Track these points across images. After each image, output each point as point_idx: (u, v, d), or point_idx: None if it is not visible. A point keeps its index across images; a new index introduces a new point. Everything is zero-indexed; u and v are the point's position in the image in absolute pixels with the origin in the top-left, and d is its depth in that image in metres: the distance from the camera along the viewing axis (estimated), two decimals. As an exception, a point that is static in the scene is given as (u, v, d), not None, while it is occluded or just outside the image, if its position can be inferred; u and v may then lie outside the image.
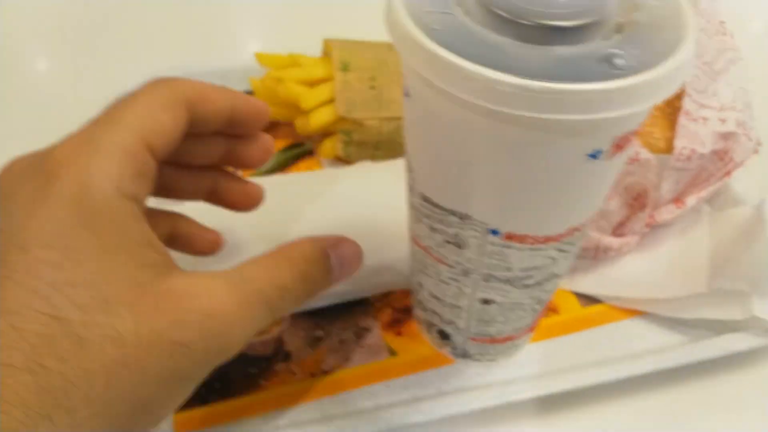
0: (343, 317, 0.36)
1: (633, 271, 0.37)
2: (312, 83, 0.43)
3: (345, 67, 0.42)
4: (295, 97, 0.42)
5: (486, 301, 0.28)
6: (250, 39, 0.58)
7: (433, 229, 0.26)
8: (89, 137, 0.21)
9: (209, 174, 0.29)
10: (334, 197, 0.38)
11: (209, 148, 0.27)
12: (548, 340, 0.35)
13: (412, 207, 0.27)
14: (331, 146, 0.43)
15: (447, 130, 0.22)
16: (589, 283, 0.37)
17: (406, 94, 0.23)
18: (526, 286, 0.27)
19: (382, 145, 0.43)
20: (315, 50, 0.46)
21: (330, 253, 0.26)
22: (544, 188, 0.22)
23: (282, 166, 0.44)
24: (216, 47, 0.56)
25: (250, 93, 0.47)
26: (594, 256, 0.37)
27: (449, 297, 0.29)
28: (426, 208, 0.26)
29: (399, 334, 0.35)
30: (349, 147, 0.42)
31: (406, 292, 0.37)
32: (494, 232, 0.24)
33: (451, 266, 0.27)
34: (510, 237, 0.24)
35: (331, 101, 0.42)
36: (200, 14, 0.63)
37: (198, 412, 0.31)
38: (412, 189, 0.26)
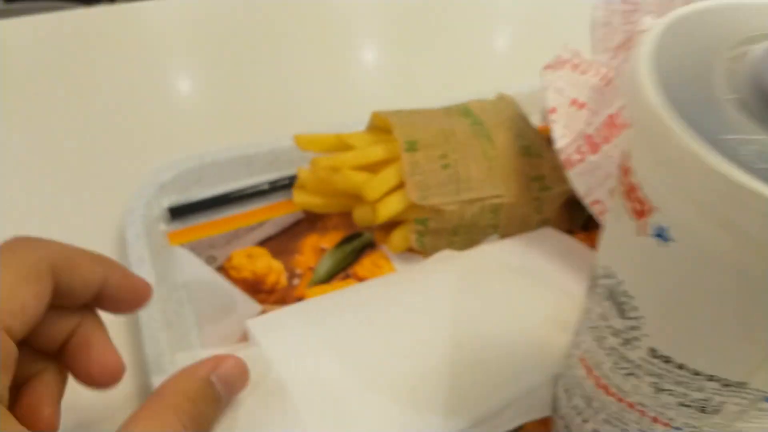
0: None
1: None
2: (371, 167, 0.36)
3: (411, 147, 0.35)
4: (356, 186, 0.35)
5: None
6: (275, 119, 0.50)
7: (660, 390, 0.20)
8: None
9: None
10: (435, 316, 0.31)
11: (68, 321, 0.23)
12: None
13: (617, 356, 0.21)
14: (402, 238, 0.36)
15: (744, 285, 0.16)
16: None
17: (659, 236, 0.17)
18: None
19: (461, 230, 0.36)
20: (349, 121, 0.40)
21: (213, 380, 0.24)
22: None
23: (343, 267, 0.37)
24: (239, 129, 0.48)
25: (293, 179, 0.40)
26: None
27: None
28: (657, 366, 0.19)
29: (543, 475, 0.29)
30: (423, 237, 0.36)
31: (543, 423, 0.31)
32: (772, 399, 0.18)
33: (677, 428, 0.21)
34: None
35: (397, 188, 0.35)
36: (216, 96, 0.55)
37: None
38: (628, 341, 0.20)
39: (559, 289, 0.33)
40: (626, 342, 0.20)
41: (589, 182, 0.32)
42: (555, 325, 0.31)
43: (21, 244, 0.21)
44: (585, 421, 0.25)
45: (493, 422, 0.28)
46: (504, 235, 0.37)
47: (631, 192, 0.18)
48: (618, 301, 0.20)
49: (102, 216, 0.39)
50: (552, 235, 0.37)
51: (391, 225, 0.37)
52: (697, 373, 0.18)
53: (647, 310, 0.19)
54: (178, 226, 0.38)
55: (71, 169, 0.44)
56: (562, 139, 0.34)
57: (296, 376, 0.28)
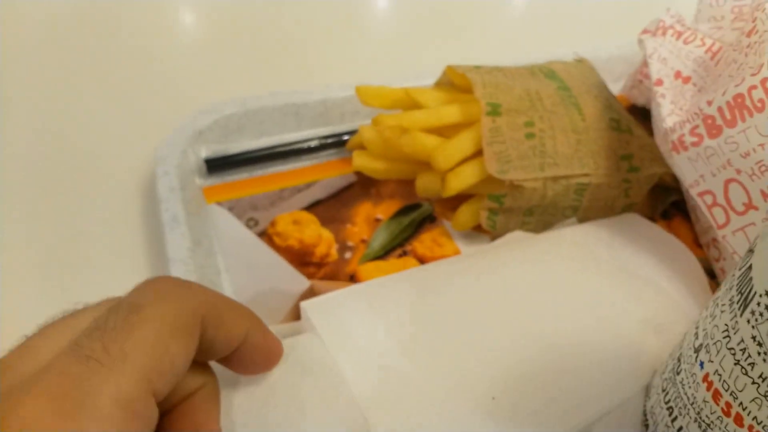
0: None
1: None
2: (443, 131, 0.32)
3: (494, 110, 0.31)
4: (426, 152, 0.31)
5: None
6: (329, 61, 0.44)
7: None
8: (74, 388, 0.15)
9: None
10: (513, 311, 0.27)
11: (193, 381, 0.20)
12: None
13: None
14: (470, 215, 0.32)
15: None
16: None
17: None
18: None
19: (537, 210, 0.32)
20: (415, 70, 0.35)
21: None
22: None
23: (399, 242, 0.33)
24: (285, 72, 0.43)
25: (346, 136, 0.35)
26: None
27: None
28: None
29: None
30: (496, 215, 0.32)
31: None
32: None
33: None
34: None
35: (472, 157, 0.31)
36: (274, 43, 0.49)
37: None
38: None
39: (654, 286, 0.29)
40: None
41: (701, 170, 0.28)
42: (651, 329, 0.27)
43: (170, 289, 0.19)
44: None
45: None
46: (584, 218, 0.33)
47: None
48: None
49: (132, 166, 0.34)
50: (638, 222, 0.33)
51: (457, 198, 0.33)
52: None
53: None
54: (215, 181, 0.34)
55: (104, 114, 0.39)
56: (671, 116, 0.29)
57: (361, 371, 0.25)
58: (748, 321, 0.19)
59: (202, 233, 0.31)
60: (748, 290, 0.19)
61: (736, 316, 0.19)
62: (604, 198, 0.32)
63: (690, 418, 0.22)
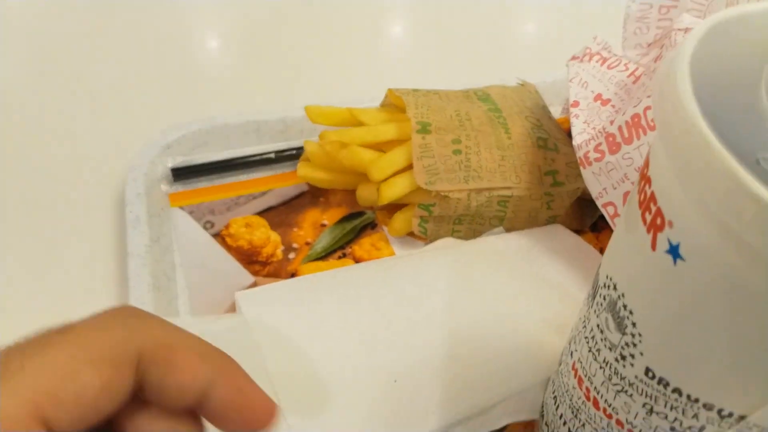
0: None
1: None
2: (380, 146, 0.35)
3: (424, 128, 0.34)
4: (362, 165, 0.34)
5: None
6: (291, 88, 0.49)
7: (652, 412, 0.19)
8: None
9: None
10: (429, 307, 0.30)
11: (159, 425, 0.17)
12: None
13: (611, 371, 0.20)
14: (404, 222, 0.35)
15: (755, 314, 0.15)
16: None
17: (671, 252, 0.16)
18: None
19: (466, 219, 0.35)
20: (368, 94, 0.38)
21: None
22: None
23: (341, 245, 0.36)
24: (251, 96, 0.47)
25: (301, 150, 0.39)
26: None
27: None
28: (652, 387, 0.18)
29: (524, 478, 0.28)
30: (426, 223, 0.35)
31: (526, 425, 0.30)
32: (771, 436, 0.17)
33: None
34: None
35: (404, 169, 0.34)
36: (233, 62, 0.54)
37: None
38: (623, 357, 0.19)
39: (561, 291, 0.32)
40: (622, 358, 0.19)
41: (604, 183, 0.31)
42: (552, 329, 0.30)
43: (118, 318, 0.17)
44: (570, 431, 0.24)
45: (479, 419, 0.27)
46: (510, 228, 0.36)
47: (647, 202, 0.17)
48: (617, 314, 0.19)
49: (106, 174, 0.39)
50: (560, 233, 0.36)
51: (394, 207, 0.36)
52: (694, 400, 0.17)
53: (646, 329, 0.18)
54: (180, 188, 0.38)
55: (80, 126, 0.43)
56: (581, 135, 0.32)
57: (278, 355, 0.28)
58: (595, 311, 0.21)
59: (161, 233, 0.34)
60: (596, 284, 0.22)
61: (589, 307, 0.22)
62: (527, 209, 0.35)
63: (566, 404, 0.25)
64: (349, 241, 0.36)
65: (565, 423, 0.24)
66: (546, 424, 0.26)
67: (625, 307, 0.19)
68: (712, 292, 0.15)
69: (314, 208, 0.38)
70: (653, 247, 0.16)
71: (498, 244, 0.34)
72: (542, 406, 0.28)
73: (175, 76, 0.48)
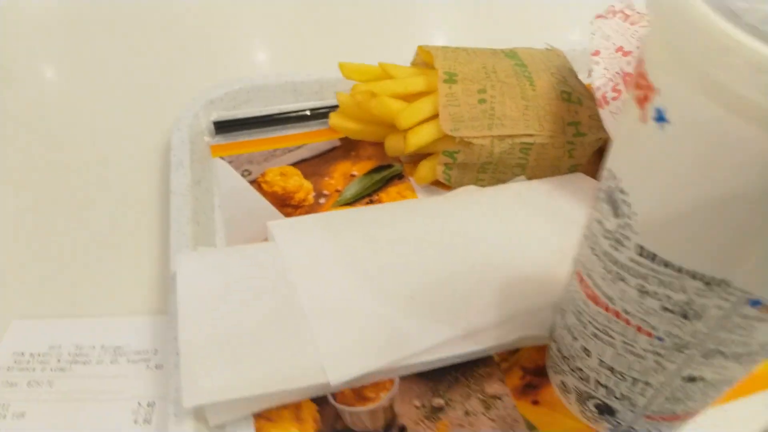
0: (464, 381, 0.30)
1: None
2: (409, 98, 0.37)
3: (450, 78, 0.36)
4: (391, 114, 0.36)
5: (691, 379, 0.22)
6: (328, 48, 0.52)
7: (644, 293, 0.20)
8: None
9: None
10: (447, 235, 0.31)
11: None
12: (731, 403, 0.28)
13: (608, 260, 0.21)
14: (429, 169, 0.37)
15: (743, 171, 0.15)
16: None
17: (658, 119, 0.17)
18: (752, 362, 0.21)
19: (489, 167, 0.36)
20: (402, 60, 0.40)
21: None
22: None
23: (368, 192, 0.38)
24: (291, 57, 0.50)
25: (335, 108, 0.41)
26: None
27: (637, 372, 0.23)
28: (643, 266, 0.19)
29: (536, 403, 0.29)
30: (450, 170, 0.36)
31: (539, 349, 0.31)
32: (755, 303, 0.18)
33: (659, 338, 0.21)
34: (780, 309, 0.18)
35: (431, 118, 0.36)
36: (276, 23, 0.57)
37: None
38: (618, 241, 0.20)
39: (579, 225, 0.32)
40: (617, 243, 0.20)
41: (622, 123, 0.32)
42: (568, 258, 0.31)
43: None
44: (575, 339, 0.25)
45: (491, 333, 0.28)
46: (532, 176, 0.37)
47: (638, 79, 0.18)
48: (614, 200, 0.20)
49: (155, 125, 0.42)
50: (581, 180, 0.36)
51: (420, 158, 0.38)
52: (680, 270, 0.18)
53: (639, 204, 0.19)
54: (221, 141, 0.40)
55: (133, 85, 0.47)
56: (600, 79, 0.33)
57: (306, 277, 0.30)
58: (596, 208, 0.22)
59: (202, 176, 0.37)
60: (598, 189, 0.23)
61: (593, 206, 0.23)
62: (550, 157, 0.36)
63: (571, 311, 0.25)
64: (377, 189, 0.38)
65: (570, 331, 0.25)
66: (554, 341, 0.27)
67: (621, 191, 0.20)
68: (696, 150, 0.16)
69: (345, 160, 0.40)
70: (644, 119, 0.17)
71: (521, 189, 0.35)
72: (551, 329, 0.29)
73: (219, 39, 0.52)
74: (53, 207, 0.38)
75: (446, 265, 0.30)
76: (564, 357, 0.27)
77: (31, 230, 0.37)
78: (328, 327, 0.28)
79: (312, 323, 0.28)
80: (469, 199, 0.34)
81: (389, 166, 0.39)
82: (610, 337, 0.23)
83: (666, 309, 0.19)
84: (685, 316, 0.19)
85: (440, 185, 0.37)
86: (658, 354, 0.21)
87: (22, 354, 0.31)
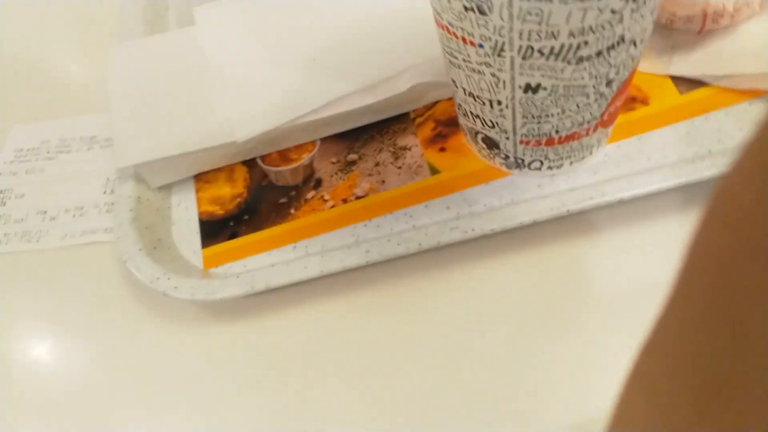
0: (378, 138, 0.31)
1: (752, 43, 0.28)
2: None
3: None
4: None
5: (531, 88, 0.22)
6: None
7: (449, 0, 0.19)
8: None
9: None
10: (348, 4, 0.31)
11: None
12: (633, 138, 0.28)
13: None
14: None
15: None
16: (692, 63, 0.28)
17: None
18: (582, 59, 0.20)
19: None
20: None
21: None
22: None
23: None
24: None
25: None
26: (700, 28, 0.28)
27: (485, 91, 0.23)
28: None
29: (443, 150, 0.30)
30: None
31: (452, 101, 0.31)
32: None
33: (480, 45, 0.21)
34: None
35: None
36: None
37: (227, 246, 0.29)
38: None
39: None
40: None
41: None
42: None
43: None
44: (448, 74, 0.25)
45: (387, 85, 0.29)
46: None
47: None
48: None
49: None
50: None
51: None
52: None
53: None
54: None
55: None
56: None
57: (219, 54, 0.31)
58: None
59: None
60: None
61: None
62: None
63: (447, 61, 0.25)
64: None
65: (448, 71, 0.25)
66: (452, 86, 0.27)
67: None
68: None
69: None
70: None
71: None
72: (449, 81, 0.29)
73: None
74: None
75: (346, 30, 0.30)
76: (455, 101, 0.27)
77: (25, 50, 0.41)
78: (237, 93, 0.30)
79: (223, 92, 0.30)
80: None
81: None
82: (455, 58, 0.23)
83: (466, 8, 0.19)
84: (480, 11, 0.19)
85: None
86: (488, 65, 0.21)
87: (21, 150, 0.37)
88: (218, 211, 0.31)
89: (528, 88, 0.22)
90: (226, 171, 0.32)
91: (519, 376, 0.24)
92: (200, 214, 0.31)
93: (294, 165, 0.31)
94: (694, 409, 0.10)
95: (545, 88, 0.22)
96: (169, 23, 0.38)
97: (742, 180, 0.09)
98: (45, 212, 0.34)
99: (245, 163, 0.32)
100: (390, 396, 0.25)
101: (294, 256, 0.28)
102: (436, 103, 0.31)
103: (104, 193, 0.34)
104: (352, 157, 0.31)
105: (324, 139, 0.32)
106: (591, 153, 0.27)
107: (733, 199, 0.09)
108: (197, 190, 0.32)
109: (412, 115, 0.31)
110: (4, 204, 0.34)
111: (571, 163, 0.27)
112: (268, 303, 0.28)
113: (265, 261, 0.28)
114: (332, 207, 0.29)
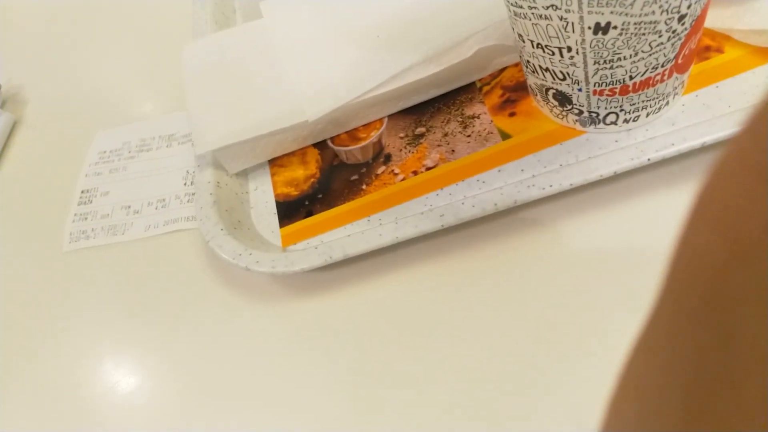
0: (445, 110, 0.31)
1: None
2: None
3: None
4: None
5: (601, 28, 0.21)
6: None
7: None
8: None
9: None
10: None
11: None
12: (710, 87, 0.27)
13: None
14: None
15: None
16: (763, 15, 0.27)
17: None
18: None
19: None
20: None
21: None
22: None
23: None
24: None
25: None
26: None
27: (554, 38, 0.23)
28: None
29: (513, 114, 0.30)
30: None
31: (519, 68, 0.31)
32: None
33: (544, -13, 0.20)
34: None
35: None
36: None
37: (303, 224, 0.30)
38: None
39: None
40: None
41: None
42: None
43: None
44: (513, 31, 0.25)
45: (452, 53, 0.29)
46: None
47: None
48: None
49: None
50: None
51: None
52: None
53: None
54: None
55: None
56: None
57: (287, 41, 0.33)
58: None
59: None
60: None
61: None
62: None
63: (511, 16, 0.25)
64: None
65: (514, 26, 0.25)
66: (519, 43, 0.27)
67: None
68: None
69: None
70: None
71: None
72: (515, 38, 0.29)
73: None
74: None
75: (407, 2, 0.31)
76: (523, 60, 0.27)
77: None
78: (306, 75, 0.31)
79: (293, 75, 0.31)
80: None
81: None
82: (520, 7, 0.23)
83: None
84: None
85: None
86: (555, 7, 0.21)
87: (104, 152, 0.39)
88: (293, 192, 0.31)
89: (598, 28, 0.21)
90: (298, 155, 0.33)
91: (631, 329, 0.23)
92: (276, 195, 0.32)
93: (363, 143, 0.32)
94: (683, 409, 0.10)
95: (615, 27, 0.21)
96: (237, 23, 0.39)
97: (728, 180, 0.09)
98: (129, 207, 0.36)
99: (316, 145, 0.33)
100: (475, 360, 0.24)
101: (368, 227, 0.28)
102: (502, 70, 0.31)
103: (184, 184, 0.35)
104: (420, 130, 0.31)
105: (391, 116, 0.32)
106: (668, 103, 0.26)
107: (719, 199, 0.09)
108: (272, 174, 0.33)
109: (478, 84, 0.31)
110: (91, 202, 0.37)
111: (647, 114, 0.26)
112: (346, 276, 0.28)
113: (341, 234, 0.29)
114: (403, 180, 0.30)
